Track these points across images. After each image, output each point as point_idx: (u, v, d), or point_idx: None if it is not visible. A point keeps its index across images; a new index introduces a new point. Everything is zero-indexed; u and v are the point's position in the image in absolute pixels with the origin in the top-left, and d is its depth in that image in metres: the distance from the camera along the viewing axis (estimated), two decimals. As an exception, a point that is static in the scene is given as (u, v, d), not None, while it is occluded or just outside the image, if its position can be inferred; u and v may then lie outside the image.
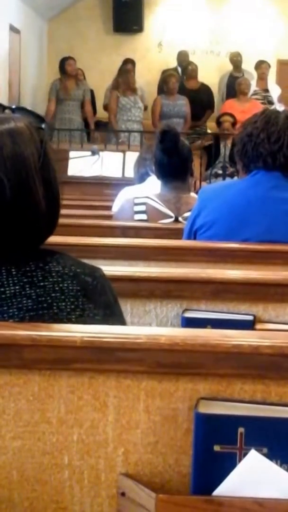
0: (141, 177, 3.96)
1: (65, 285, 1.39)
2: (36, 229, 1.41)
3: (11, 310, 1.34)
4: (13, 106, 1.45)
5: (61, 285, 1.39)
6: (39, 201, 1.39)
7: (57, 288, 1.38)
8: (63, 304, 1.38)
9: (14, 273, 1.37)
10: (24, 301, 1.35)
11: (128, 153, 6.98)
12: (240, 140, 2.59)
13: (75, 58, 10.14)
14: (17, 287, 1.36)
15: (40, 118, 1.45)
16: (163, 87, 10.06)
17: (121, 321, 1.48)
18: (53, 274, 1.39)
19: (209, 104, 10.62)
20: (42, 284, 1.38)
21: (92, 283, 1.43)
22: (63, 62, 9.94)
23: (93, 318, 1.40)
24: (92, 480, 1.28)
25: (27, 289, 1.36)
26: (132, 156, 6.37)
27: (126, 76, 9.92)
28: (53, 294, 1.38)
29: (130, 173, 6.41)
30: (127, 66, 10.27)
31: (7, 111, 1.43)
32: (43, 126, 1.44)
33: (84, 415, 1.27)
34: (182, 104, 9.99)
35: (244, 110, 8.93)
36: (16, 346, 1.25)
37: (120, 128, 9.60)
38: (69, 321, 1.37)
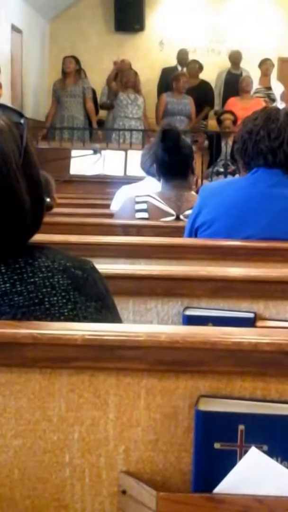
0: (146, 167, 3.96)
1: (56, 279, 1.38)
2: (22, 226, 1.39)
3: (2, 308, 1.34)
4: None
5: (51, 280, 1.38)
6: (23, 198, 1.37)
7: (47, 283, 1.37)
8: (55, 298, 1.37)
9: (3, 271, 1.36)
10: (16, 298, 1.35)
11: (130, 152, 6.98)
12: (240, 138, 2.59)
13: (77, 57, 10.16)
14: (7, 285, 1.35)
15: (19, 114, 1.43)
16: (172, 84, 10.05)
17: (113, 313, 1.46)
18: (43, 269, 1.38)
19: (207, 100, 10.61)
20: (32, 280, 1.37)
21: (82, 276, 1.41)
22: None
23: (85, 311, 1.39)
24: (93, 478, 1.28)
25: (18, 286, 1.35)
26: (134, 155, 6.37)
27: (127, 73, 9.93)
28: (43, 290, 1.37)
29: (132, 171, 6.42)
30: (126, 65, 10.31)
31: None
32: (22, 121, 1.42)
33: (84, 413, 1.27)
34: (187, 103, 10.01)
35: (246, 107, 8.91)
36: (16, 345, 1.25)
37: (117, 124, 9.60)
38: (62, 315, 1.36)
